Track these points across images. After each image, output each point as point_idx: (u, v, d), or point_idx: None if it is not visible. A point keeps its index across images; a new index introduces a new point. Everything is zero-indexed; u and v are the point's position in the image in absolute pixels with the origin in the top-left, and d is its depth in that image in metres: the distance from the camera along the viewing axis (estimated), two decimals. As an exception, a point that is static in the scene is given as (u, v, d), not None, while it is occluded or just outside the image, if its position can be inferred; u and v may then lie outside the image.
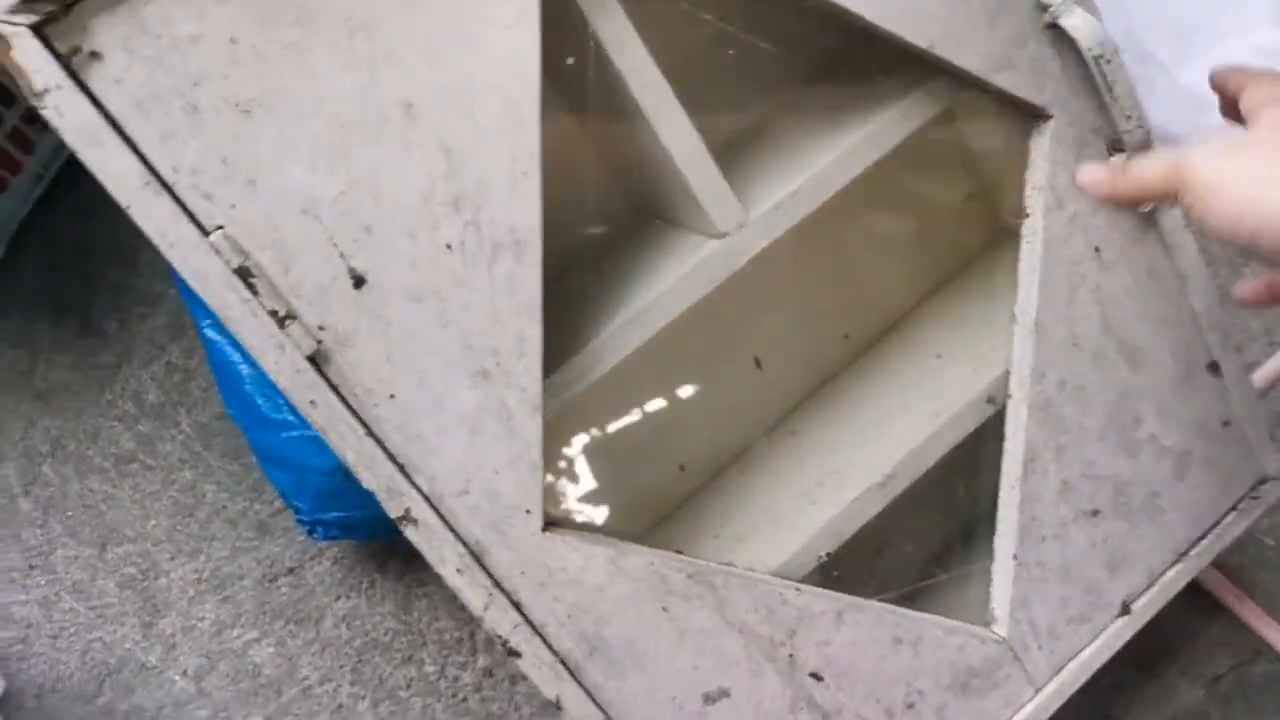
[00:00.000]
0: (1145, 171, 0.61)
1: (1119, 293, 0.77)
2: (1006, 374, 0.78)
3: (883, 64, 0.76)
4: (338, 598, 1.09)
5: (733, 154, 0.79)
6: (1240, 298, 0.72)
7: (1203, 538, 0.85)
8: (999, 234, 0.91)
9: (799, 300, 0.88)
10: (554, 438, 0.66)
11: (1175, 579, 0.84)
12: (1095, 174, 0.67)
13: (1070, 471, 0.79)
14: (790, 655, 0.73)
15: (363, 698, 1.07)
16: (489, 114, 0.58)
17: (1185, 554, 0.85)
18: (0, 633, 1.09)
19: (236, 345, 0.95)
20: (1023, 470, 0.77)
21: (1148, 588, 0.84)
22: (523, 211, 0.59)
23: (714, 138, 0.68)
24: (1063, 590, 0.80)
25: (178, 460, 1.10)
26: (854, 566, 0.80)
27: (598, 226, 0.80)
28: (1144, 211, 0.76)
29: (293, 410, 0.94)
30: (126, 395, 1.11)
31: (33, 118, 1.17)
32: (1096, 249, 0.76)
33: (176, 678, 1.07)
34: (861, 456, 0.80)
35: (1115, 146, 0.72)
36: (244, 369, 0.95)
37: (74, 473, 1.10)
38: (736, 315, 0.84)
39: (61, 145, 1.15)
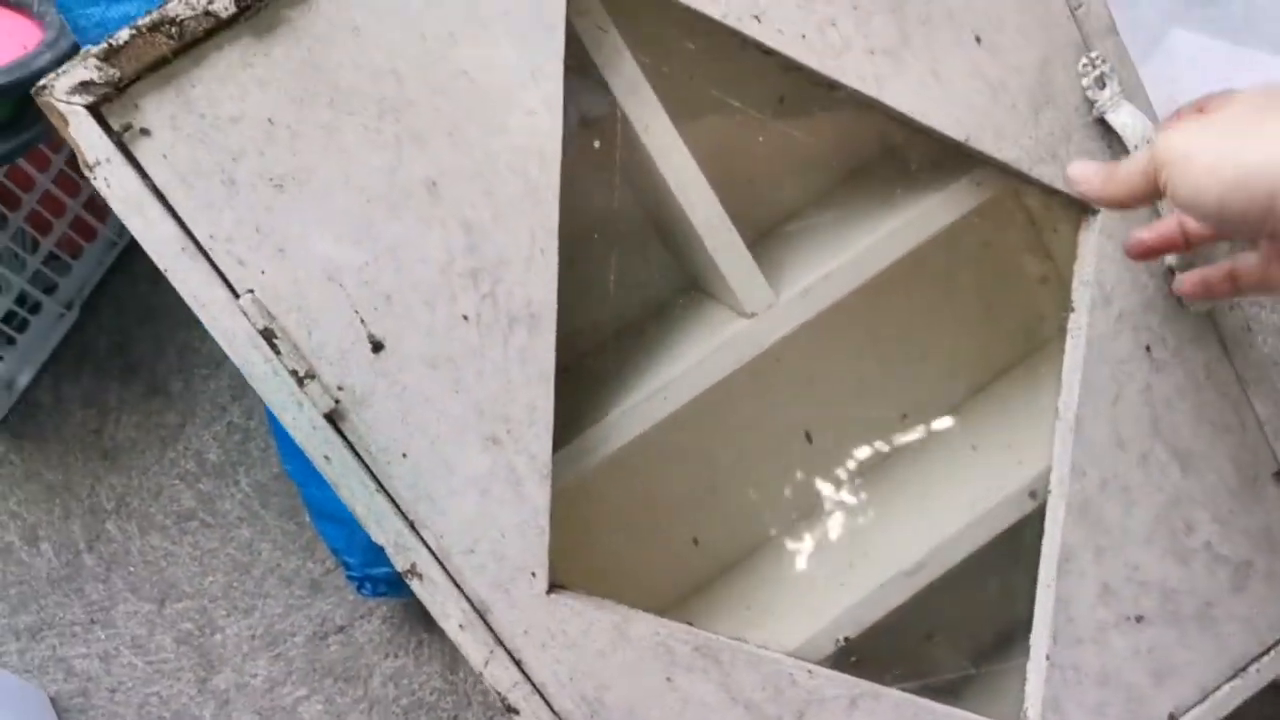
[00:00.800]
0: (1129, 169, 0.59)
1: (1171, 394, 0.75)
2: (1050, 469, 0.76)
3: (924, 151, 0.76)
4: (386, 656, 1.10)
5: (769, 237, 0.80)
6: (1188, 289, 0.70)
7: (1265, 654, 0.80)
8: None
9: (840, 382, 0.87)
10: (570, 506, 0.67)
11: (1230, 696, 0.80)
12: (1085, 169, 0.64)
13: (1111, 574, 0.76)
14: (798, 740, 0.71)
15: (407, 758, 1.08)
16: (509, 194, 0.60)
17: (1244, 670, 0.80)
18: (62, 685, 1.12)
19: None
20: (1058, 570, 0.75)
21: (1198, 702, 0.79)
22: (539, 286, 0.61)
23: (751, 221, 0.69)
24: (1100, 696, 0.77)
25: (236, 519, 1.14)
26: (879, 653, 0.78)
27: (642, 291, 0.82)
28: (1200, 311, 0.74)
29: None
30: (189, 454, 1.15)
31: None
32: (1147, 348, 0.74)
33: (229, 734, 1.10)
34: (895, 542, 0.79)
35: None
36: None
37: (136, 530, 1.14)
38: (772, 393, 0.84)
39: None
